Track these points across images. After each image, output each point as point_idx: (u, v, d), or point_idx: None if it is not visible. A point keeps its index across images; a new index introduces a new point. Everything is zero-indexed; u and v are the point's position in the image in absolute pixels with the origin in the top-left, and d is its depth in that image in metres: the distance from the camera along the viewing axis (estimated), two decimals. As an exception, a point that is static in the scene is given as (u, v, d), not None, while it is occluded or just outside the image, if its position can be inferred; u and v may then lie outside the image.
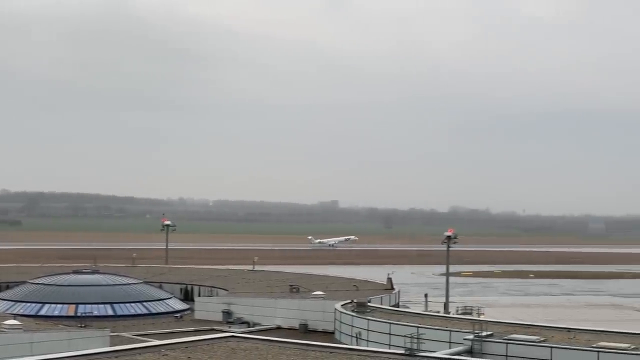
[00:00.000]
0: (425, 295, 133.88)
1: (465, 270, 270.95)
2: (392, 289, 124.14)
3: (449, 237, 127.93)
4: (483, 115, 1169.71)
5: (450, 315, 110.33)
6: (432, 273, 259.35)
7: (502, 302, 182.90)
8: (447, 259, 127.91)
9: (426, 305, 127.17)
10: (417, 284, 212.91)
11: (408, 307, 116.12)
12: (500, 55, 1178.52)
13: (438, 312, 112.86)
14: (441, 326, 76.87)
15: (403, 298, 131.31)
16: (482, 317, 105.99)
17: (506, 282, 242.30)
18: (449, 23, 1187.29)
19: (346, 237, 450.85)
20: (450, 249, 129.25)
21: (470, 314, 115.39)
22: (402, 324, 77.83)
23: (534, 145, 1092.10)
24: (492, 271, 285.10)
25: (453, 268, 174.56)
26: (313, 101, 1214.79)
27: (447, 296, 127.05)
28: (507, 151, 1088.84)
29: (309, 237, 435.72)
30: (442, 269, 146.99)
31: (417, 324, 75.13)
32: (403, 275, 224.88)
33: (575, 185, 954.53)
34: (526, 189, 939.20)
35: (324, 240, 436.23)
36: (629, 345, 63.58)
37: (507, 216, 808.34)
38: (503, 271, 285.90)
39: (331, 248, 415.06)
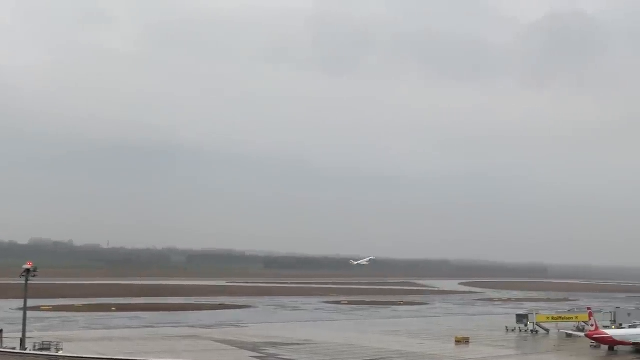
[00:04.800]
0: (0, 331, 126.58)
1: (45, 304, 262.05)
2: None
3: (27, 270, 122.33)
4: (60, 146, 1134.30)
5: (27, 351, 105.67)
6: (9, 307, 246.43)
7: (83, 336, 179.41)
8: (26, 292, 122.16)
9: (1, 342, 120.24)
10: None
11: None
12: (77, 86, 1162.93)
13: (14, 348, 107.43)
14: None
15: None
16: (60, 353, 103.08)
17: (88, 316, 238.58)
18: (22, 47, 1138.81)
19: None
20: (29, 282, 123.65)
21: (48, 349, 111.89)
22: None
23: (112, 180, 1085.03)
24: (74, 305, 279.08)
25: (32, 302, 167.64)
26: None
27: (24, 331, 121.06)
28: (89, 184, 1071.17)
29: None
30: (20, 303, 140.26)
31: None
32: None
33: (158, 218, 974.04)
34: (111, 222, 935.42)
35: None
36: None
37: (91, 249, 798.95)
38: (85, 304, 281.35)
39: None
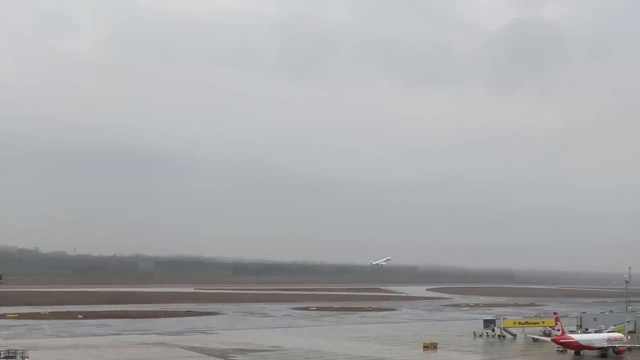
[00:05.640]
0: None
1: (11, 312, 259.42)
2: None
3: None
4: (24, 151, 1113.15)
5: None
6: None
7: (49, 344, 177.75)
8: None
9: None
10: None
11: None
12: (38, 90, 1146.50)
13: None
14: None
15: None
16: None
17: (54, 324, 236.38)
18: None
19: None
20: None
21: (14, 357, 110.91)
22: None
23: (78, 186, 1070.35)
24: (40, 312, 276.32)
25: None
26: None
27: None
28: (54, 190, 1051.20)
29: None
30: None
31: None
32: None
33: (125, 225, 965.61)
34: (77, 229, 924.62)
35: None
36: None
37: (57, 256, 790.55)
38: (51, 312, 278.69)
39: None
